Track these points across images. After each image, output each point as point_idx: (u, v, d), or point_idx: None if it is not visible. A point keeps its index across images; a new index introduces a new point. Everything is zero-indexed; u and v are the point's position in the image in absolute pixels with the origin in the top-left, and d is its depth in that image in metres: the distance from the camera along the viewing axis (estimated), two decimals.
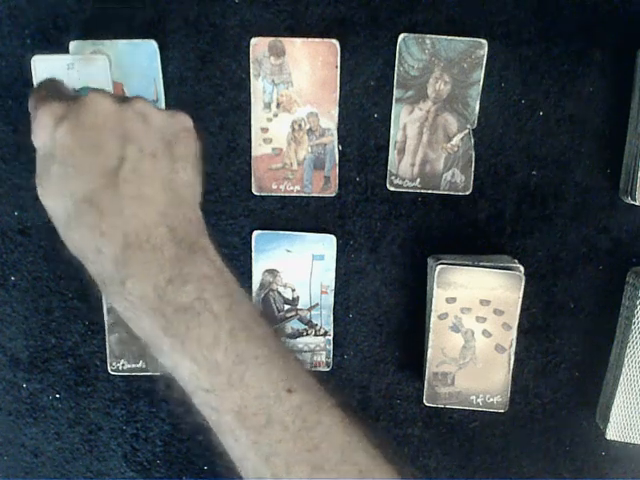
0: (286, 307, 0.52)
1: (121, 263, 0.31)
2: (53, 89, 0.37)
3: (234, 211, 0.51)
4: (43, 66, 0.46)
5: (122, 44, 0.47)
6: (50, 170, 0.32)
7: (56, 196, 0.32)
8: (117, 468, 0.56)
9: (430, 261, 0.50)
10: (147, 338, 0.32)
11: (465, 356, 0.49)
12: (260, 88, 0.48)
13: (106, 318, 0.52)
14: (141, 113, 0.34)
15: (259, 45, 0.47)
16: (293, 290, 0.52)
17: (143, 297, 0.31)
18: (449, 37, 0.47)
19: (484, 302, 0.47)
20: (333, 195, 0.50)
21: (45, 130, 0.33)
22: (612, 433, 0.50)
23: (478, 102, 0.48)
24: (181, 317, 0.31)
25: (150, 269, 0.31)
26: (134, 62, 0.47)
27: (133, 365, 0.53)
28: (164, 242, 0.31)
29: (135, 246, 0.31)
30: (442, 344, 0.49)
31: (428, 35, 0.47)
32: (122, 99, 0.34)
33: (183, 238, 0.32)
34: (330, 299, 0.52)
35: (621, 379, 0.49)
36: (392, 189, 0.50)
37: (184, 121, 0.36)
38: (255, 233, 0.51)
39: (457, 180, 0.50)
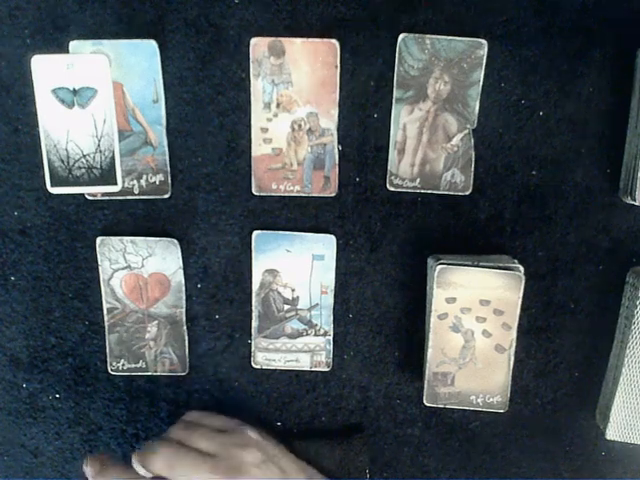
0: (286, 307, 0.52)
1: None
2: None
3: (234, 211, 0.51)
4: (43, 66, 0.46)
5: (122, 44, 0.47)
6: None
7: None
8: None
9: (430, 261, 0.50)
10: None
11: (465, 356, 0.49)
12: (260, 88, 0.48)
13: (106, 318, 0.52)
14: None
15: (259, 45, 0.47)
16: (293, 290, 0.52)
17: None
18: (449, 37, 0.47)
19: (484, 302, 0.47)
20: (333, 195, 0.50)
21: None
22: (612, 433, 0.50)
23: (478, 102, 0.48)
24: None
25: None
26: (134, 62, 0.47)
27: (133, 365, 0.53)
28: None
29: None
30: (442, 344, 0.49)
31: (428, 35, 0.47)
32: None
33: None
34: (330, 299, 0.52)
35: (621, 379, 0.49)
36: (392, 189, 0.50)
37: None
38: (255, 233, 0.51)
39: (457, 180, 0.50)
